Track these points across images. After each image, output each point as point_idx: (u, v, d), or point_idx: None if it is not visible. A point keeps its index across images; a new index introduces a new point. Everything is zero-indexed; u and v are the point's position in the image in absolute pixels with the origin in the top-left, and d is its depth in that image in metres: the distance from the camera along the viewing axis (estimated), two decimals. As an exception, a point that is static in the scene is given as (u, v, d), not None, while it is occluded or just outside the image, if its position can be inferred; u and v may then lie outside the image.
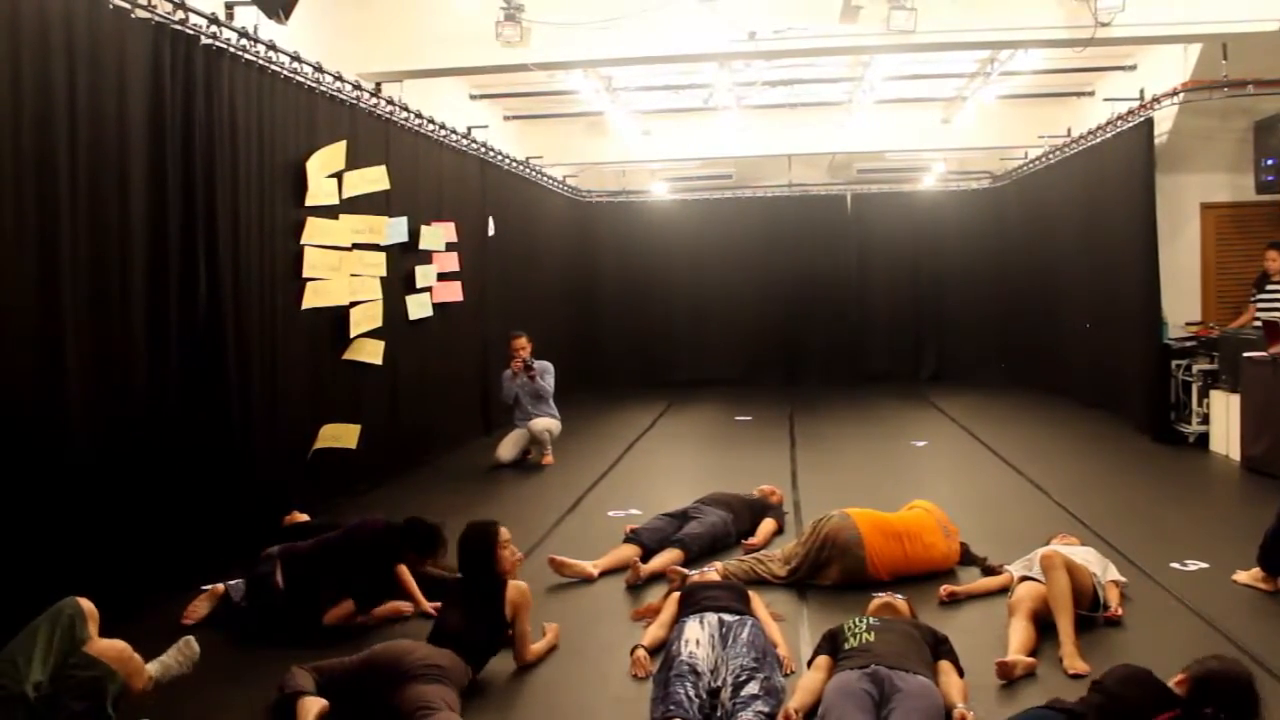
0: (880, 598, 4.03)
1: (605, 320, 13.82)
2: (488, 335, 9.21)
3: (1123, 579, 4.48)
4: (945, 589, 4.58)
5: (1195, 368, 8.12)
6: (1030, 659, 3.73)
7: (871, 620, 3.63)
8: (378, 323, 7.00)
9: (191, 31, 5.06)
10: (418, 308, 7.68)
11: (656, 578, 4.92)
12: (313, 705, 3.31)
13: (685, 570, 4.67)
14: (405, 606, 4.46)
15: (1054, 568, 4.07)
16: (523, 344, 8.01)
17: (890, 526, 4.90)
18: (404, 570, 4.48)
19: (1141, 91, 8.76)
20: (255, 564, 4.47)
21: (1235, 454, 7.40)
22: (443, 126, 8.45)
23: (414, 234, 7.60)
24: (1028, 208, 12.48)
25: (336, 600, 4.30)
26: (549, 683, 3.80)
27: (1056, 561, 4.09)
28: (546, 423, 8.05)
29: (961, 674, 3.47)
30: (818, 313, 13.59)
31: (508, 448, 7.98)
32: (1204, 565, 4.89)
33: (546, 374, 8.06)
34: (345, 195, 6.56)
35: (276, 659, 3.73)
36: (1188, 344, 8.34)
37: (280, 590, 4.30)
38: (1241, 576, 4.67)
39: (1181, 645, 3.70)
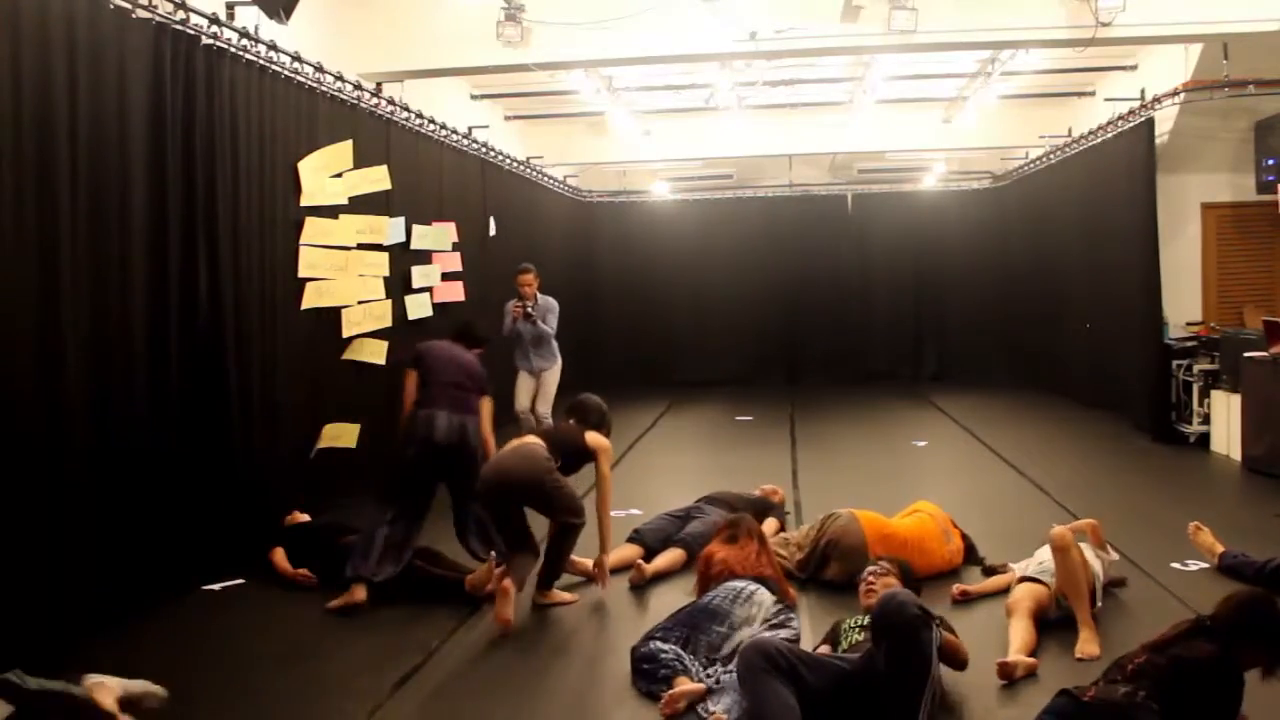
0: (878, 597, 4.03)
1: (606, 320, 13.78)
2: (489, 335, 9.17)
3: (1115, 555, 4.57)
4: (958, 588, 4.59)
5: (1196, 368, 8.13)
6: (1031, 659, 3.73)
7: (866, 619, 3.62)
8: (386, 323, 6.99)
9: (192, 31, 5.05)
10: (417, 308, 7.67)
11: (660, 578, 4.94)
12: None
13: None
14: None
15: (1067, 547, 4.03)
16: (529, 280, 7.66)
17: (895, 535, 4.87)
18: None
19: (1142, 91, 8.76)
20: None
21: (1236, 454, 7.41)
22: (443, 127, 8.44)
23: (408, 234, 7.56)
24: (1028, 208, 12.47)
25: None
26: (553, 680, 3.80)
27: (1068, 540, 4.05)
28: (548, 380, 7.82)
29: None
30: (819, 312, 13.58)
31: (522, 397, 7.81)
32: (1204, 565, 4.89)
33: (550, 314, 7.76)
34: (347, 195, 6.56)
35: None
36: (1188, 344, 8.35)
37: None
38: (1203, 539, 4.89)
39: (1182, 645, 3.70)
